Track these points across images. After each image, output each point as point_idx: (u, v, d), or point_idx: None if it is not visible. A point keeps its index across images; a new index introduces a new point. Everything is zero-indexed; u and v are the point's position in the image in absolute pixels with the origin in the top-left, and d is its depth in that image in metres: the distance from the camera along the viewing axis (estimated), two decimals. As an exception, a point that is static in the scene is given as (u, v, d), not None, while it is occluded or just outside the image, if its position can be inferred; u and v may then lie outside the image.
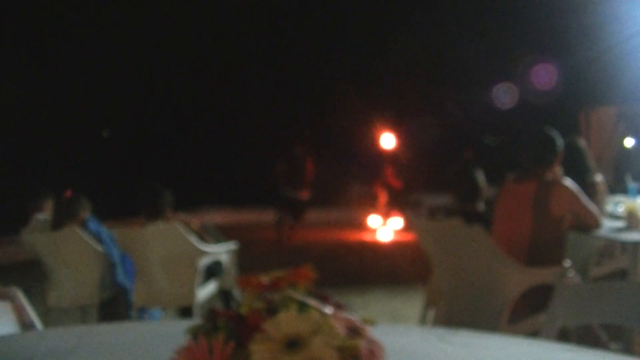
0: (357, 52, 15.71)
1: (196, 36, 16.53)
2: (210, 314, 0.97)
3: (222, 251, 4.67)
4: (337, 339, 0.90)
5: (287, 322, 0.90)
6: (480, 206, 4.27)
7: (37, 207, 5.26)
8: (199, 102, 18.14)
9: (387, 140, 12.88)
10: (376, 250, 9.82)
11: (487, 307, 3.32)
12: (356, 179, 14.08)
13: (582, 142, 4.71)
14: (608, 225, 3.90)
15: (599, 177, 4.61)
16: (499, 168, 5.27)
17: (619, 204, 4.74)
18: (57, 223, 4.67)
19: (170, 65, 17.43)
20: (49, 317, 4.62)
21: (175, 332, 1.06)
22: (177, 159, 16.79)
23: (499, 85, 14.35)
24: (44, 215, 5.12)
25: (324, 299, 0.97)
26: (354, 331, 0.94)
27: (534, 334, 3.11)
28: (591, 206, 3.56)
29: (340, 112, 15.70)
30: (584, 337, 3.46)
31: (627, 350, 3.18)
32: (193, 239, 4.31)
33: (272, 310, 0.93)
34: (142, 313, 4.54)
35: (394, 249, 9.88)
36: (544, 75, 12.85)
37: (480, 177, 4.33)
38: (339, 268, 8.00)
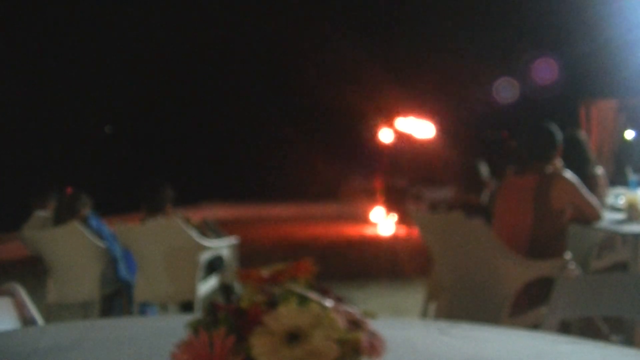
0: (358, 48, 15.70)
1: (197, 33, 16.52)
2: (211, 307, 0.97)
3: (222, 246, 4.67)
4: (338, 332, 0.90)
5: (287, 315, 0.90)
6: (484, 199, 4.26)
7: (40, 204, 5.28)
8: (199, 99, 18.14)
9: (387, 136, 12.87)
10: (377, 244, 9.82)
11: (488, 300, 3.32)
12: (357, 173, 14.10)
13: (582, 135, 4.70)
14: (609, 218, 3.90)
15: (599, 170, 4.60)
16: (499, 162, 5.27)
17: (620, 197, 4.74)
18: (59, 219, 4.68)
19: (171, 63, 17.43)
20: (50, 313, 4.63)
21: (176, 326, 1.06)
22: (178, 155, 16.81)
23: (499, 79, 14.33)
24: (45, 211, 5.13)
25: (325, 293, 0.97)
26: (355, 324, 0.94)
27: (535, 326, 3.12)
28: (592, 199, 3.56)
29: (341, 109, 15.70)
30: (585, 329, 3.46)
31: (628, 342, 3.19)
32: (193, 234, 4.31)
33: (272, 304, 0.93)
34: (143, 308, 4.55)
35: (395, 242, 9.88)
36: (545, 69, 12.83)
37: (484, 169, 4.34)
38: (340, 261, 8.01)
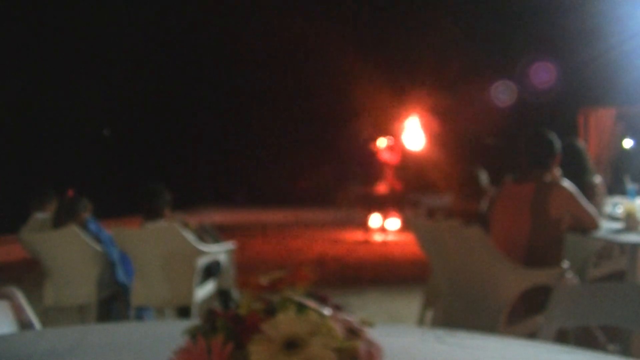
0: (356, 54, 15.73)
1: (196, 35, 16.53)
2: (209, 314, 0.97)
3: (220, 251, 4.67)
4: (336, 340, 0.90)
5: (285, 323, 0.90)
6: (483, 206, 4.26)
7: (40, 206, 5.28)
8: (198, 102, 18.14)
9: (385, 142, 12.87)
10: (375, 250, 9.82)
11: (485, 308, 3.32)
12: (355, 179, 14.10)
13: (580, 143, 4.71)
14: (606, 227, 3.90)
15: (597, 179, 4.61)
16: (498, 169, 5.28)
17: (618, 205, 4.75)
18: (58, 222, 4.67)
19: (170, 65, 17.43)
20: (48, 316, 4.62)
21: (173, 332, 1.06)
22: (176, 158, 16.80)
23: (498, 86, 14.36)
24: (44, 214, 5.13)
25: (323, 300, 0.97)
26: (353, 332, 0.94)
27: (532, 335, 3.12)
28: (589, 207, 3.56)
29: (339, 115, 15.70)
30: (582, 338, 3.46)
31: (625, 351, 3.19)
32: (191, 239, 4.31)
33: (270, 311, 0.93)
34: (140, 312, 4.54)
35: (393, 249, 9.87)
36: (543, 76, 12.86)
37: (483, 177, 4.34)
38: (338, 267, 8.00)
